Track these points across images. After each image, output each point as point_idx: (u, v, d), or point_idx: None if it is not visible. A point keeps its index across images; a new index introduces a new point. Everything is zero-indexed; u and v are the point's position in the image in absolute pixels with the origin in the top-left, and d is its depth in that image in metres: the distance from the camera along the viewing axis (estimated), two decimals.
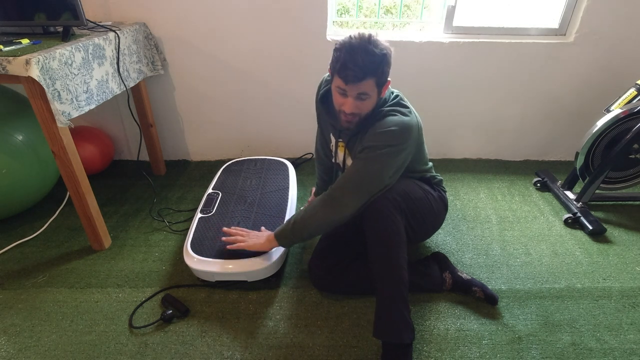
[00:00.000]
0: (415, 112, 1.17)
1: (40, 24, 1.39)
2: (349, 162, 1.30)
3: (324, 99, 1.29)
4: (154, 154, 2.03)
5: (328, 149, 1.42)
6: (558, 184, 1.91)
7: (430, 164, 1.36)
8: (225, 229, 1.34)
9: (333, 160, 1.38)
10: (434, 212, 1.29)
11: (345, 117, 1.12)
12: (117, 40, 1.52)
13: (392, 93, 1.19)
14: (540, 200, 1.89)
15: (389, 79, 1.10)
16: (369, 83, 1.04)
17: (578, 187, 1.82)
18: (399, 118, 1.10)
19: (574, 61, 1.93)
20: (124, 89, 1.58)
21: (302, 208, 1.22)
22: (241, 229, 1.34)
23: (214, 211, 1.52)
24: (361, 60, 1.00)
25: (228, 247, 1.27)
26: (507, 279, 1.42)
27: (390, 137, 1.08)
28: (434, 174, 1.36)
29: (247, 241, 1.27)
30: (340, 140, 1.29)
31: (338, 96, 1.10)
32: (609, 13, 1.81)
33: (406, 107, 1.15)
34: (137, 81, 1.71)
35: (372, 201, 1.13)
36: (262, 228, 1.35)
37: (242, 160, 1.90)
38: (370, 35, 1.03)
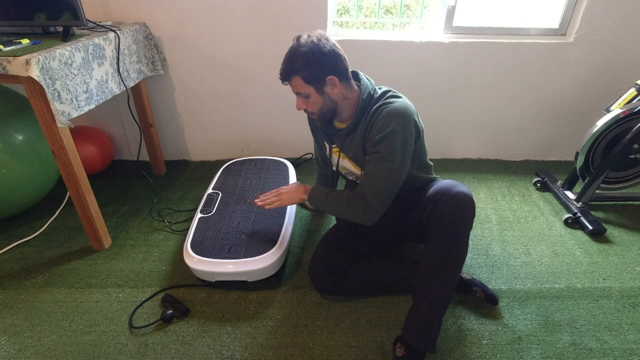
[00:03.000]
0: (408, 101, 1.17)
1: (40, 24, 1.39)
2: (347, 164, 1.29)
3: None
4: (154, 154, 2.03)
5: (327, 157, 1.41)
6: (558, 184, 1.91)
7: (431, 163, 1.35)
8: (256, 200, 1.39)
9: (334, 169, 1.37)
10: None
11: (309, 115, 1.21)
12: (117, 40, 1.52)
13: (380, 88, 1.19)
14: (540, 200, 1.89)
15: (330, 76, 1.10)
16: (296, 81, 1.11)
17: (578, 187, 1.82)
18: (392, 107, 1.10)
19: (574, 61, 1.93)
20: (124, 89, 1.58)
21: (336, 190, 1.26)
22: (270, 191, 1.39)
23: (214, 211, 1.52)
24: (284, 61, 1.11)
25: (266, 207, 1.34)
26: (507, 279, 1.42)
27: (395, 126, 1.08)
28: (435, 175, 1.35)
29: (281, 199, 1.34)
30: (334, 145, 1.29)
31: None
32: (609, 13, 1.81)
33: (397, 96, 1.15)
34: (137, 81, 1.71)
35: (455, 191, 1.07)
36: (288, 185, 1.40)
37: (242, 160, 1.90)
38: (299, 36, 1.10)
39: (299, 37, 1.09)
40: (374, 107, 1.13)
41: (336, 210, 1.23)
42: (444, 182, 1.15)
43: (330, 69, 1.10)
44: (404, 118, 1.10)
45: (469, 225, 1.08)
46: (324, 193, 1.26)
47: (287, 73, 1.12)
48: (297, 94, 1.15)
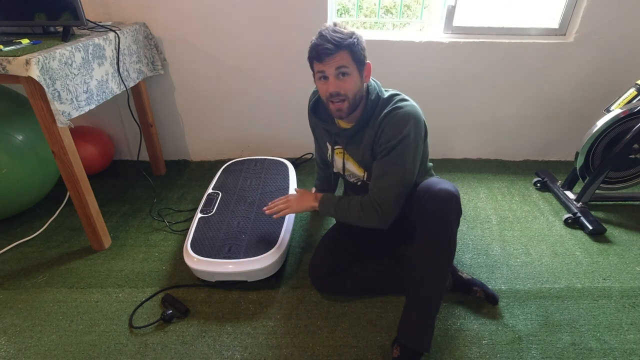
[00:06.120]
0: (414, 102, 1.16)
1: (40, 24, 1.39)
2: (350, 166, 1.29)
3: (314, 109, 1.30)
4: (154, 154, 2.03)
5: (327, 159, 1.41)
6: (558, 184, 1.91)
7: (431, 164, 1.35)
8: (265, 209, 1.39)
9: (334, 170, 1.37)
10: None
11: (334, 105, 1.11)
12: (117, 40, 1.52)
13: (387, 91, 1.19)
14: (540, 200, 1.89)
15: (368, 61, 1.11)
16: (344, 55, 1.05)
17: (578, 187, 1.82)
18: (403, 111, 1.09)
19: (574, 61, 1.93)
20: (124, 89, 1.58)
21: (346, 197, 1.24)
22: (278, 199, 1.40)
23: (214, 211, 1.52)
24: (330, 37, 1.05)
25: (275, 216, 1.34)
26: (507, 279, 1.42)
27: (409, 130, 1.08)
28: (434, 175, 1.35)
29: (290, 206, 1.34)
30: (338, 147, 1.28)
31: (321, 85, 1.11)
32: (609, 13, 1.81)
33: (405, 99, 1.15)
34: (137, 81, 1.71)
35: (438, 188, 1.05)
36: (295, 189, 1.43)
37: (242, 160, 1.90)
38: (335, 23, 1.08)
39: (334, 24, 1.08)
40: (385, 111, 1.12)
41: (348, 217, 1.21)
42: (429, 180, 1.13)
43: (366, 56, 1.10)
44: (416, 122, 1.10)
45: (453, 222, 1.06)
46: (335, 200, 1.24)
47: (338, 45, 1.03)
48: (339, 69, 1.06)
